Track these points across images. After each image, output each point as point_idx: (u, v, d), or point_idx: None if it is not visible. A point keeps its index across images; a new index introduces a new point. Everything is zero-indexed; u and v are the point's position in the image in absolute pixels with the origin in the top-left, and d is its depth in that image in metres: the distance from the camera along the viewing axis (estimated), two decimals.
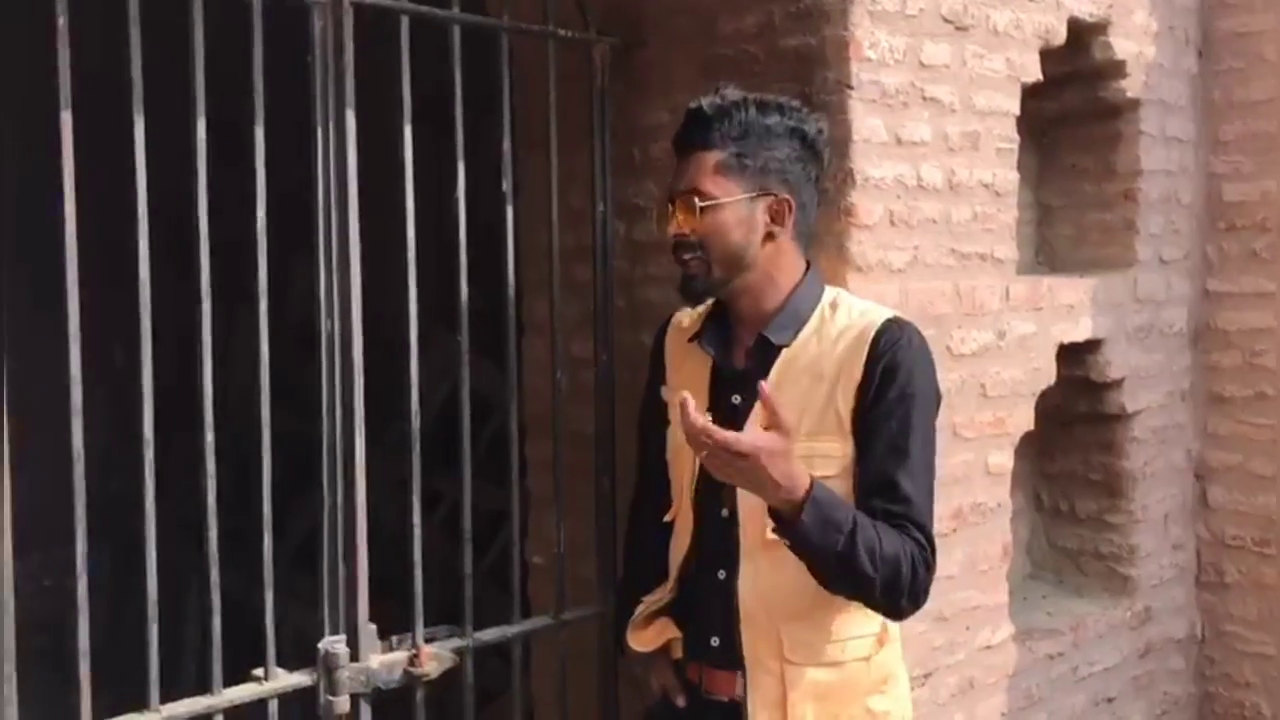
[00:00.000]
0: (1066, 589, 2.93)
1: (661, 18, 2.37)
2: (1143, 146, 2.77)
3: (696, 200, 1.73)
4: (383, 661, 2.01)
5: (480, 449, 3.47)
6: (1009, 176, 2.40)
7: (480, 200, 2.16)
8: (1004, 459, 2.44)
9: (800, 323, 1.77)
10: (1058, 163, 2.92)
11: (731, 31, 2.25)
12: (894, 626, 1.80)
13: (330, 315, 1.95)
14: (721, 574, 1.78)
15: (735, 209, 1.73)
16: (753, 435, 1.53)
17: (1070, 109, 2.82)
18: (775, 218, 1.75)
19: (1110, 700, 2.78)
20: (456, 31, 2.05)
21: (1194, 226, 2.94)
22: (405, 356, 2.01)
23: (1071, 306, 2.59)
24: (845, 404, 1.71)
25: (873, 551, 1.60)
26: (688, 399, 1.50)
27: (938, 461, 1.76)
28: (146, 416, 1.74)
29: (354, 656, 1.98)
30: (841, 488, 1.69)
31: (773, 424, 1.52)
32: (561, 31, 2.23)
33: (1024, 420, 2.49)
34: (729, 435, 1.50)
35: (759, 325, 1.78)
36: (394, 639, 2.04)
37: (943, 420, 2.28)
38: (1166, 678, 2.95)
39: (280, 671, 1.93)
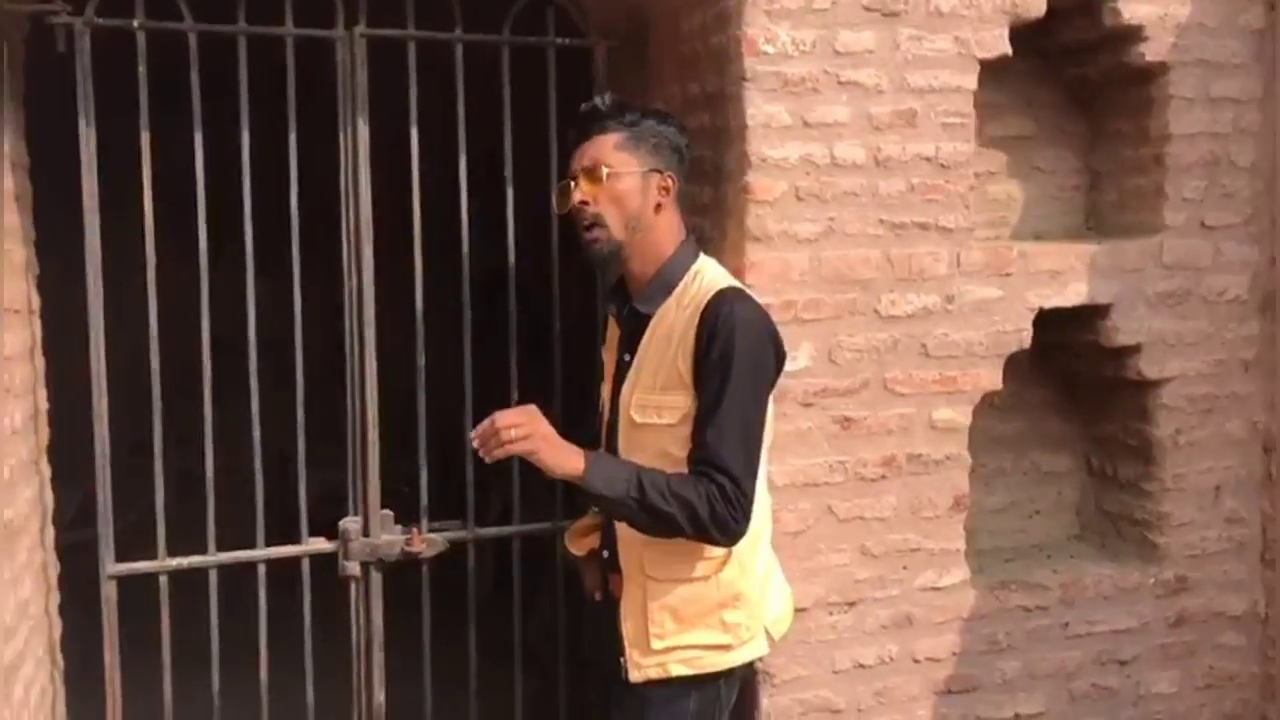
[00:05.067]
0: (1106, 552, 2.94)
1: (653, 20, 2.75)
2: (1175, 110, 2.70)
3: (602, 169, 2.04)
4: (387, 539, 2.65)
5: None
6: (959, 149, 2.52)
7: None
8: (954, 415, 2.58)
9: (667, 291, 2.09)
10: (1105, 128, 2.90)
11: (686, 30, 2.59)
12: (745, 554, 2.09)
13: (352, 277, 2.60)
14: None
15: (633, 179, 2.06)
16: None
17: (1109, 74, 2.80)
18: (663, 191, 2.09)
19: (1123, 663, 2.80)
20: (459, 49, 2.59)
21: (1258, 189, 2.80)
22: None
23: (1058, 272, 2.64)
24: (685, 365, 2.02)
25: (662, 491, 1.94)
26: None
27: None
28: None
29: (365, 534, 2.64)
30: (684, 431, 2.03)
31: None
32: (560, 40, 2.68)
33: (985, 380, 2.60)
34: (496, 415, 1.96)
35: (640, 292, 2.13)
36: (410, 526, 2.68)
37: (872, 375, 2.52)
38: (1214, 652, 2.87)
39: (314, 539, 2.63)
